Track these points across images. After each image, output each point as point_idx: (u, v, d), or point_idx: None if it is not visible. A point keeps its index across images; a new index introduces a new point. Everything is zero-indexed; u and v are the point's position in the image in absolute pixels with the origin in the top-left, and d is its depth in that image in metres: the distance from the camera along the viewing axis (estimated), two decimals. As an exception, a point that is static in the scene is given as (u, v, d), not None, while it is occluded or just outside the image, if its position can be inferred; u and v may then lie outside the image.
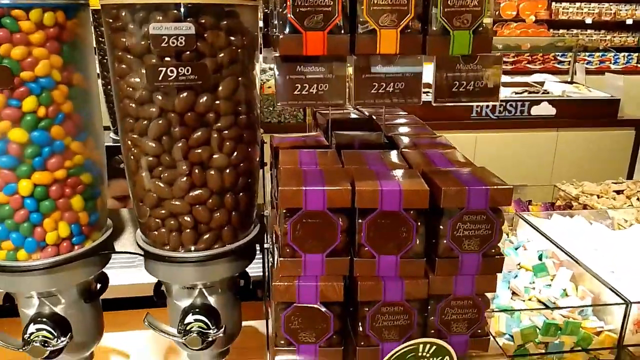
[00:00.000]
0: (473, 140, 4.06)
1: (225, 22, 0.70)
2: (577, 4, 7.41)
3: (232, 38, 0.72)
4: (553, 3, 7.38)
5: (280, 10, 0.76)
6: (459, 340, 0.83)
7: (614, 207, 1.88)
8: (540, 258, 1.36)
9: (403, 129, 1.13)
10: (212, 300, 0.83)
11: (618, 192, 2.05)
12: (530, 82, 4.75)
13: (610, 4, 7.41)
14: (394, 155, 0.90)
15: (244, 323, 0.93)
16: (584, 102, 4.22)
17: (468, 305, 0.81)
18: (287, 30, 0.75)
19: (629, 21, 7.53)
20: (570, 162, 4.03)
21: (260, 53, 0.89)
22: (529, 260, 1.35)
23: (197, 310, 0.82)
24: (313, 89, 0.80)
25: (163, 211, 0.76)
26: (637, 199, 1.98)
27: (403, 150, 0.94)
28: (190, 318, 0.81)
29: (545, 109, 4.15)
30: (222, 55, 0.71)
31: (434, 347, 0.79)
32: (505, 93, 4.21)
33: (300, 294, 0.77)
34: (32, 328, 0.80)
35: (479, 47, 0.79)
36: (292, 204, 0.73)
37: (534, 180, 2.60)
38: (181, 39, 0.66)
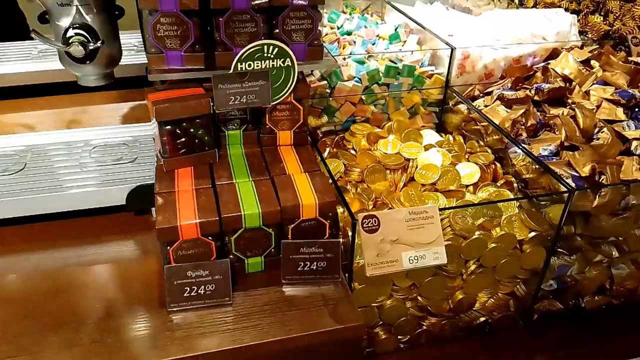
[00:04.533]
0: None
1: None
2: None
3: None
4: None
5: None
6: (299, 49, 1.04)
7: (479, 5, 2.12)
8: (396, 29, 1.59)
9: None
10: (89, 18, 0.97)
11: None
12: None
13: None
14: None
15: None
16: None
17: (304, 17, 1.01)
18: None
19: None
20: None
21: None
22: (386, 31, 1.58)
23: (76, 25, 0.96)
24: None
25: None
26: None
27: None
28: (70, 32, 0.96)
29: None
30: None
31: (277, 49, 1.00)
32: None
33: (162, 2, 0.93)
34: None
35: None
36: None
37: None
38: None
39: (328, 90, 1.36)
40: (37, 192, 1.07)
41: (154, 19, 0.94)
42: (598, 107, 1.25)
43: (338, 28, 1.61)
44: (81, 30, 0.96)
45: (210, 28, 0.98)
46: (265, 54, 1.00)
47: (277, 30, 1.02)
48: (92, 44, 0.97)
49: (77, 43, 0.95)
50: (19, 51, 1.69)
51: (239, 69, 0.99)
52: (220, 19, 0.97)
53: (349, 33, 1.57)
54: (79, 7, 0.95)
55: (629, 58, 1.41)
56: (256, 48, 0.99)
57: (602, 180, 1.06)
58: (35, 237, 1.08)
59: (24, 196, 1.06)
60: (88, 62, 1.00)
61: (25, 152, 1.19)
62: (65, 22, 0.97)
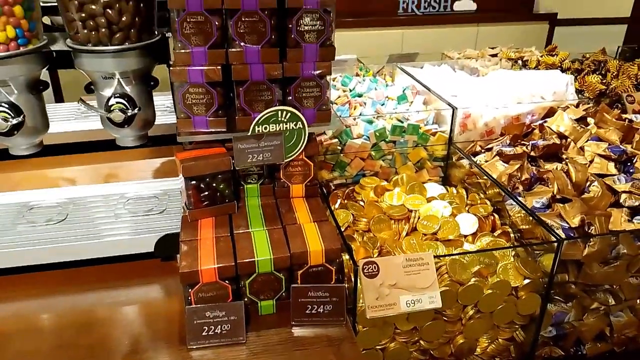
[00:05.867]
0: (400, 35, 4.33)
1: None
2: None
3: None
4: None
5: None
6: (309, 113, 1.17)
7: (486, 66, 2.26)
8: (403, 91, 1.73)
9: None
10: (128, 89, 1.13)
11: (494, 55, 2.43)
12: (454, -21, 4.97)
13: None
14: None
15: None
16: (502, -3, 4.51)
17: (313, 86, 1.15)
18: None
19: None
20: (489, 55, 4.37)
21: None
22: (395, 93, 1.71)
23: (117, 95, 1.12)
24: None
25: (83, 15, 1.04)
26: (506, 60, 2.37)
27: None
28: (112, 101, 1.12)
29: (466, 5, 4.43)
30: None
31: (289, 114, 1.14)
32: (429, -12, 4.47)
33: (190, 76, 1.08)
34: (-7, 110, 1.08)
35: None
36: (178, 5, 1.02)
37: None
38: None
39: (339, 147, 1.48)
40: (77, 239, 1.20)
41: (184, 90, 1.09)
42: (591, 161, 1.34)
43: (350, 91, 1.76)
44: (121, 99, 1.11)
45: (232, 96, 1.13)
46: (280, 118, 1.14)
47: (290, 97, 1.16)
48: (130, 110, 1.12)
49: (117, 110, 1.11)
50: (65, 111, 1.89)
51: (257, 131, 1.13)
52: (241, 88, 1.11)
53: (360, 95, 1.71)
54: (120, 79, 1.12)
55: (623, 115, 1.50)
56: (271, 113, 1.12)
57: (591, 230, 1.14)
58: (73, 279, 1.20)
59: (66, 243, 1.19)
60: (126, 126, 1.15)
61: (67, 204, 1.34)
62: (107, 92, 1.13)
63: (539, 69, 1.91)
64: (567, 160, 1.34)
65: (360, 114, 1.57)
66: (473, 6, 4.44)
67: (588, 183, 1.26)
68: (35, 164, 1.65)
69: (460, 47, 4.61)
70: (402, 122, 1.53)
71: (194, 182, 1.14)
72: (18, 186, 1.51)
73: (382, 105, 1.66)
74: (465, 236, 1.25)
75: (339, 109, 1.59)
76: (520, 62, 2.01)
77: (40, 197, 1.38)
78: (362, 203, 1.42)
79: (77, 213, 1.30)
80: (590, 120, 1.50)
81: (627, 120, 1.47)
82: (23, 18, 1.05)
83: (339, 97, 1.69)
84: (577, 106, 1.55)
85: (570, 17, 8.16)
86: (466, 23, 4.47)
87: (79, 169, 1.68)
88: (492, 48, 2.47)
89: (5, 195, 1.39)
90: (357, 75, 1.99)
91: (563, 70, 1.90)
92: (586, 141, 1.41)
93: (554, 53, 2.03)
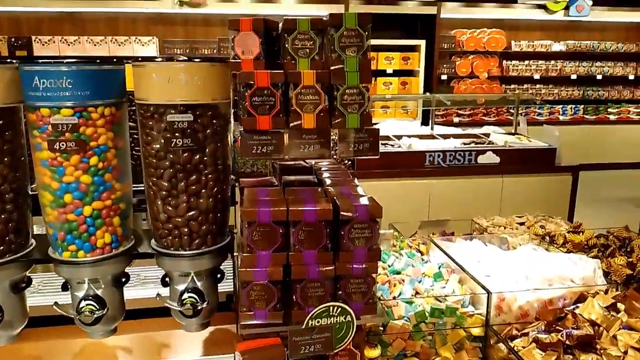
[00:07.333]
0: (428, 186, 4.58)
1: (210, 112, 1.21)
2: (526, 62, 8.26)
3: (214, 120, 1.23)
4: (504, 61, 8.21)
5: (243, 102, 1.27)
6: (357, 307, 1.30)
7: (515, 234, 2.39)
8: (439, 268, 1.85)
9: (330, 173, 1.63)
10: (199, 284, 1.29)
11: (521, 223, 2.58)
12: (478, 133, 5.35)
13: (556, 61, 8.30)
14: (318, 190, 1.40)
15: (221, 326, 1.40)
16: (524, 151, 4.78)
17: (361, 283, 1.29)
18: (246, 115, 1.25)
19: (574, 76, 8.40)
20: (515, 205, 4.50)
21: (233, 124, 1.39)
22: (431, 270, 1.84)
23: (189, 289, 1.28)
24: (264, 149, 1.30)
25: (170, 225, 1.24)
26: (535, 228, 2.50)
27: (325, 187, 1.44)
28: (185, 295, 1.28)
29: (490, 158, 4.72)
30: (208, 131, 1.21)
31: (340, 309, 1.26)
32: (455, 144, 4.80)
33: (254, 275, 1.24)
34: (82, 303, 1.24)
35: (364, 122, 1.31)
36: (250, 218, 1.21)
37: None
38: (184, 123, 1.16)
39: (381, 328, 1.58)
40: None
41: (248, 288, 1.24)
42: (625, 352, 1.40)
43: (389, 266, 1.89)
44: (193, 294, 1.27)
45: (289, 292, 1.27)
46: (331, 313, 1.26)
47: (340, 292, 1.29)
48: (199, 304, 1.27)
49: (189, 304, 1.26)
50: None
51: (310, 325, 1.25)
52: (298, 286, 1.26)
53: (398, 272, 1.85)
54: (194, 276, 1.28)
55: (652, 302, 1.58)
56: (324, 308, 1.25)
57: None
58: None
59: None
60: (194, 317, 1.29)
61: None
62: (181, 286, 1.29)
63: (566, 246, 2.03)
64: (601, 351, 1.39)
65: (400, 294, 1.69)
66: (496, 159, 4.71)
67: (625, 377, 1.30)
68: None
69: (484, 199, 4.78)
70: (440, 301, 1.63)
71: (252, 373, 1.23)
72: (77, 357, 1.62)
73: (419, 282, 1.78)
74: None
75: (379, 287, 1.72)
76: (547, 238, 2.14)
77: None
78: (404, 386, 1.47)
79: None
80: (620, 306, 1.57)
81: (656, 307, 1.54)
82: (119, 226, 1.26)
83: (379, 274, 1.82)
84: (606, 292, 1.63)
85: (595, 162, 8.40)
86: (490, 174, 4.70)
87: (134, 336, 1.79)
88: (520, 217, 2.63)
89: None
90: (393, 246, 2.14)
91: (589, 247, 2.02)
92: (618, 329, 1.48)
93: (579, 230, 2.16)
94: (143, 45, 6.64)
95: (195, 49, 6.91)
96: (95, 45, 6.57)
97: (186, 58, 1.19)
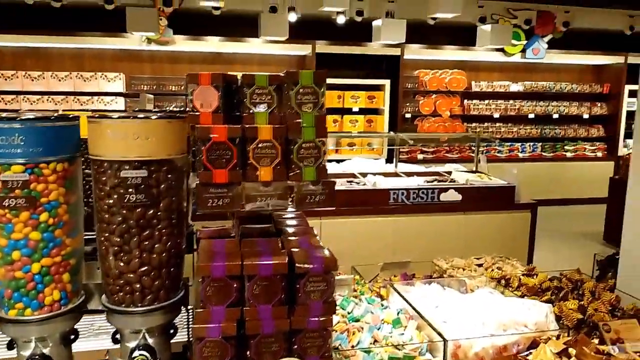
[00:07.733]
0: (392, 223, 4.62)
1: (165, 168, 1.22)
2: (486, 101, 8.55)
3: (169, 175, 1.23)
4: (465, 100, 8.48)
5: (200, 156, 1.28)
6: (313, 360, 1.30)
7: (473, 277, 2.44)
8: (398, 314, 1.87)
9: (289, 222, 1.64)
10: (151, 341, 1.27)
11: (479, 265, 2.63)
12: (441, 171, 5.46)
13: (515, 100, 8.63)
14: (275, 241, 1.41)
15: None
16: (485, 189, 4.90)
17: (317, 336, 1.29)
18: (202, 169, 1.26)
19: (531, 115, 8.73)
20: (476, 241, 4.60)
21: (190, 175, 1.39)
22: (390, 316, 1.85)
23: (141, 347, 1.25)
24: (220, 202, 1.31)
25: (122, 281, 1.22)
26: (492, 270, 2.56)
27: (283, 237, 1.45)
28: (136, 353, 1.25)
29: (452, 195, 4.81)
30: (162, 186, 1.21)
31: (295, 364, 1.26)
32: (418, 182, 4.90)
33: (208, 332, 1.23)
34: (28, 363, 1.20)
35: (320, 175, 1.33)
36: (204, 273, 1.21)
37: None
38: (138, 179, 1.16)
39: (339, 379, 1.57)
40: None
41: (201, 345, 1.22)
42: (577, 400, 1.43)
43: (348, 314, 1.90)
44: (144, 352, 1.24)
45: (244, 347, 1.26)
46: (286, 369, 1.25)
47: (296, 346, 1.29)
48: (151, 361, 1.25)
49: (140, 362, 1.23)
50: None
51: (265, 382, 1.24)
52: (252, 341, 1.25)
53: (357, 320, 1.85)
54: (146, 333, 1.26)
55: (600, 347, 1.62)
56: (279, 364, 1.24)
57: None
58: None
59: None
60: (146, 374, 1.26)
61: None
62: (132, 344, 1.26)
63: (520, 290, 2.08)
64: (554, 399, 1.42)
65: (358, 342, 1.69)
66: (458, 197, 4.81)
67: None
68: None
69: (447, 235, 4.85)
70: (399, 349, 1.64)
71: None
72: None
73: (378, 329, 1.79)
74: None
75: (338, 337, 1.71)
76: (503, 281, 2.19)
77: None
78: None
79: None
80: (571, 351, 1.61)
81: (605, 353, 1.59)
82: (69, 282, 1.23)
83: (338, 322, 1.82)
84: (557, 337, 1.67)
85: (553, 198, 8.68)
86: (452, 212, 4.78)
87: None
88: (478, 258, 2.68)
89: None
90: (355, 290, 2.15)
91: (543, 291, 2.07)
92: (570, 375, 1.51)
93: (533, 273, 2.22)
94: (109, 81, 6.60)
95: (163, 85, 6.91)
96: (59, 80, 6.50)
97: (143, 115, 1.20)
